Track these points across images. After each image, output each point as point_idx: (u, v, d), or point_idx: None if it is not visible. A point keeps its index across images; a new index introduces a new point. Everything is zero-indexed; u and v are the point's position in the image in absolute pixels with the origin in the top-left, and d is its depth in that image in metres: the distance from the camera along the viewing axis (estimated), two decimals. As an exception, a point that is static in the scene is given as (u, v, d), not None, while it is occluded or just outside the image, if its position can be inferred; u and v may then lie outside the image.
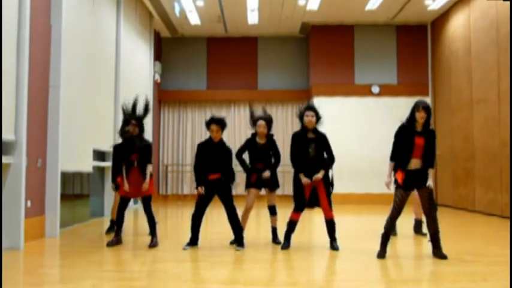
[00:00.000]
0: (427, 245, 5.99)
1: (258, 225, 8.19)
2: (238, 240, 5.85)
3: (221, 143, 5.86)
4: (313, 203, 5.81)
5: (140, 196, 6.19)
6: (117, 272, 4.79)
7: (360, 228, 8.24)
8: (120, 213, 6.09)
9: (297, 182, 5.75)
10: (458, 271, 4.66)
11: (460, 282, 4.24)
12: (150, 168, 6.14)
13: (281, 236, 6.03)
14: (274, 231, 6.24)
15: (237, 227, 5.85)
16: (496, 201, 9.40)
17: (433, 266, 4.91)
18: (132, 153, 6.09)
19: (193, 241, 5.90)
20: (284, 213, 6.51)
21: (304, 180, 5.66)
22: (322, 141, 5.79)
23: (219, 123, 5.78)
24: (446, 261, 5.04)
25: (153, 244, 5.97)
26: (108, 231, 7.07)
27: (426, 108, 5.14)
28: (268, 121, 6.15)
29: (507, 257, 5.19)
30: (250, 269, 4.86)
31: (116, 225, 6.14)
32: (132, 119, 6.15)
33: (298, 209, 5.74)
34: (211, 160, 5.77)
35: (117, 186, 6.71)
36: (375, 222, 7.48)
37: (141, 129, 6.17)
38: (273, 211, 6.21)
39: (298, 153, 5.75)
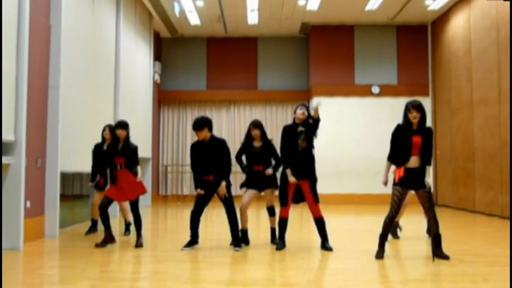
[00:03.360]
0: (426, 245, 5.99)
1: (257, 226, 8.18)
2: (235, 241, 5.86)
3: (212, 141, 5.81)
4: (299, 199, 5.84)
5: (128, 200, 6.17)
6: (117, 273, 4.78)
7: (359, 228, 8.23)
8: (103, 211, 5.97)
9: (283, 177, 5.79)
10: (458, 271, 4.66)
11: (460, 283, 4.24)
12: (139, 168, 6.19)
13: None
14: (273, 231, 6.25)
15: (235, 228, 5.86)
16: (496, 202, 9.39)
17: (433, 266, 4.90)
18: (115, 156, 6.03)
19: (193, 241, 5.90)
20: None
21: (291, 179, 5.69)
22: (311, 130, 5.80)
23: (199, 126, 5.71)
24: (446, 262, 5.04)
25: (139, 244, 5.98)
26: (89, 231, 7.06)
27: (417, 107, 5.13)
28: (257, 124, 6.19)
29: (507, 258, 5.19)
30: (249, 270, 4.86)
31: (103, 224, 6.05)
32: (117, 127, 6.09)
33: (282, 204, 5.78)
34: (205, 160, 5.77)
35: (99, 186, 6.86)
36: (374, 223, 7.47)
37: (128, 132, 6.14)
38: (271, 212, 6.22)
39: (288, 146, 5.77)
